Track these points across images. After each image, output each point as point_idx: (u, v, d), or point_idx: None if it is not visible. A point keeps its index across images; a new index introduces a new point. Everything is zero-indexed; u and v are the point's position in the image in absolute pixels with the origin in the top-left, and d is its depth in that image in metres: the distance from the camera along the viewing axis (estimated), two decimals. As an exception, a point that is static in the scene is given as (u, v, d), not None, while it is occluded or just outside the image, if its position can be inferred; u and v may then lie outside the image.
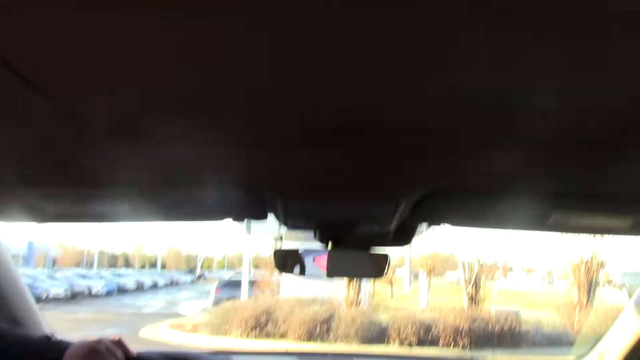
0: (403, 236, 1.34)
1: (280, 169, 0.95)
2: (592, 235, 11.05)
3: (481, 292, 13.62)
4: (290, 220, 1.27)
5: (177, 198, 1.13)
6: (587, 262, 12.40)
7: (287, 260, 1.45)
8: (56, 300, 20.35)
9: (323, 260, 1.44)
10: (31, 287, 13.75)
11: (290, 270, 1.42)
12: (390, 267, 1.34)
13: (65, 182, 1.06)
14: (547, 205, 1.09)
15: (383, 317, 11.77)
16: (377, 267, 1.34)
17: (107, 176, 1.02)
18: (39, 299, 19.36)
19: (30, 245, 44.27)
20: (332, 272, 1.34)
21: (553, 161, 0.90)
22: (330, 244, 1.32)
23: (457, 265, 15.58)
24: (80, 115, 0.74)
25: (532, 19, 0.47)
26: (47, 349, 1.22)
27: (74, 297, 22.04)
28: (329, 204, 1.15)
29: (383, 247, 1.41)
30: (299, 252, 1.34)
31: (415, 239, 1.41)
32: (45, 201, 1.14)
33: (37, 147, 0.89)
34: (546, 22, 0.47)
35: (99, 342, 1.22)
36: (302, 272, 1.37)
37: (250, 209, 1.20)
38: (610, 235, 11.32)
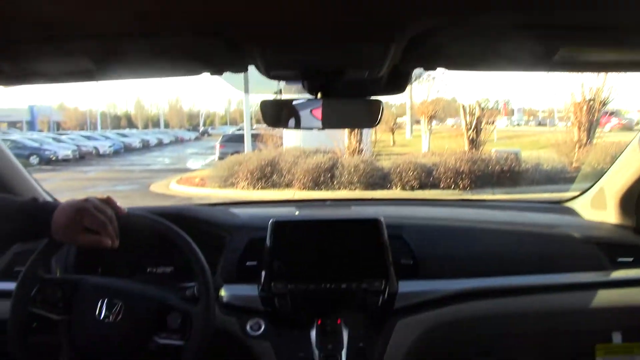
0: (397, 82, 1.25)
1: (255, 11, 0.82)
2: (596, 73, 10.84)
3: (482, 136, 13.74)
4: (273, 70, 1.14)
5: (146, 50, 1.01)
6: (589, 100, 12.33)
7: (278, 112, 1.38)
8: (66, 161, 20.79)
9: (316, 110, 1.36)
10: (39, 150, 14.03)
11: (280, 123, 1.36)
12: (383, 114, 1.26)
13: (23, 36, 0.92)
14: (554, 40, 0.96)
15: (385, 164, 12.02)
16: (371, 115, 1.27)
17: (69, 27, 0.89)
18: (48, 161, 19.90)
19: (31, 109, 44.22)
20: (326, 122, 1.28)
21: None
22: (320, 93, 1.25)
23: (459, 110, 15.50)
24: None
25: None
26: (35, 210, 1.19)
27: (82, 157, 22.46)
28: (311, 50, 1.03)
29: (377, 96, 1.34)
30: (290, 102, 1.26)
31: (413, 86, 1.31)
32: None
33: None
34: None
35: (86, 200, 1.18)
36: (296, 124, 1.31)
37: (227, 60, 1.09)
38: (616, 73, 11.07)
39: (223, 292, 1.58)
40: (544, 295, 1.67)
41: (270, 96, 1.36)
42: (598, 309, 1.71)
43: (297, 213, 1.93)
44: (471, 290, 1.63)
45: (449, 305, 1.60)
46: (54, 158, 20.47)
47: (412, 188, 10.88)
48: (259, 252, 1.60)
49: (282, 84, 1.36)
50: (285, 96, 1.37)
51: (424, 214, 2.06)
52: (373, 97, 1.28)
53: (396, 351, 1.51)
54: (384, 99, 1.29)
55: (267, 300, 1.54)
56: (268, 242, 1.58)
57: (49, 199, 1.83)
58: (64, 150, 21.73)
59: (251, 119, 17.51)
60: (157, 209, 1.69)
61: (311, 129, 1.33)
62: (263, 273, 1.56)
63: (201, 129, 47.66)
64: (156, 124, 55.11)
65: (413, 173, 11.02)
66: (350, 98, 1.28)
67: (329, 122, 1.28)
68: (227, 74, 1.20)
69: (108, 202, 1.23)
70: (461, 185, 10.87)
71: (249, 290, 1.58)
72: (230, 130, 30.50)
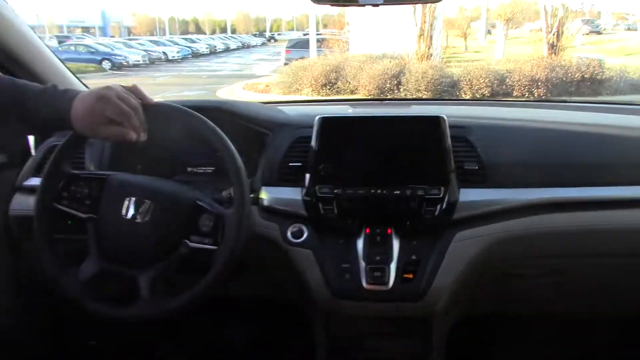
0: None
1: None
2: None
3: (563, 41, 12.74)
4: None
5: None
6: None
7: None
8: (136, 66, 21.32)
9: None
10: (110, 55, 14.49)
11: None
12: None
13: None
14: None
15: (455, 70, 11.46)
16: None
17: None
18: (120, 66, 20.43)
19: (103, 14, 45.08)
20: None
21: None
22: None
23: (539, 14, 14.34)
24: None
25: None
26: (54, 95, 1.08)
27: (152, 63, 22.94)
28: None
29: None
30: None
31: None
32: None
33: None
34: None
35: (109, 87, 1.07)
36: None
37: None
38: None
39: (264, 195, 1.45)
40: (634, 210, 1.45)
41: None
42: None
43: (350, 111, 1.72)
44: (545, 201, 1.41)
45: (518, 217, 1.40)
46: (125, 63, 21.00)
47: (483, 96, 10.37)
48: (304, 152, 1.44)
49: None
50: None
51: (494, 113, 1.79)
52: None
53: (453, 266, 1.35)
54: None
55: (311, 205, 1.40)
56: (314, 140, 1.41)
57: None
58: (134, 56, 22.19)
59: (317, 23, 17.03)
60: (195, 102, 1.54)
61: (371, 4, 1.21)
62: (307, 175, 1.41)
63: (268, 34, 47.11)
64: (223, 30, 54.87)
65: (484, 80, 10.46)
66: None
67: None
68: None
69: (134, 90, 1.10)
70: (536, 94, 10.23)
71: (292, 194, 1.43)
72: (297, 35, 29.95)
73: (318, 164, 1.40)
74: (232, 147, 1.20)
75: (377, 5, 1.26)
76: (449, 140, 1.38)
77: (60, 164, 1.25)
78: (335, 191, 1.38)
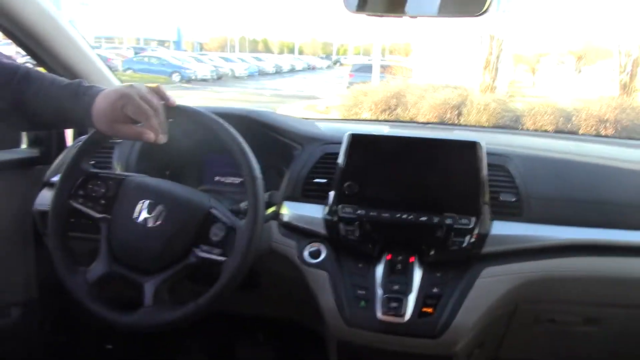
0: None
1: None
2: None
3: (636, 80, 12.24)
4: None
5: None
6: None
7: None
8: (204, 80, 22.04)
9: None
10: (180, 68, 15.12)
11: (391, 9, 1.20)
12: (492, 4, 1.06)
13: None
14: None
15: (519, 105, 11.17)
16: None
17: None
18: (188, 80, 21.16)
19: (178, 30, 47.19)
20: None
21: None
22: None
23: (612, 54, 13.85)
24: None
25: None
26: (78, 90, 1.07)
27: (219, 78, 23.67)
28: None
29: None
30: None
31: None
32: None
33: None
34: None
35: (131, 86, 1.06)
36: (403, 10, 1.14)
37: None
38: None
39: (285, 210, 1.40)
40: None
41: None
42: None
43: (385, 131, 1.66)
44: (586, 242, 1.29)
45: (554, 257, 1.29)
46: (193, 77, 21.76)
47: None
48: (332, 168, 1.38)
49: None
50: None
51: (538, 144, 1.67)
52: None
53: (478, 304, 1.24)
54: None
55: (332, 224, 1.33)
56: (341, 157, 1.35)
57: None
58: (203, 70, 23.00)
59: (384, 50, 17.11)
60: (224, 109, 1.51)
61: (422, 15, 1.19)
62: (331, 193, 1.35)
63: (334, 57, 47.64)
64: (291, 51, 55.93)
65: (549, 117, 10.09)
66: None
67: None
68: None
69: (157, 91, 1.09)
70: (603, 134, 9.83)
71: (314, 211, 1.37)
72: (362, 60, 30.13)
73: (343, 182, 1.34)
74: (251, 155, 1.17)
75: (414, 17, 1.22)
76: (485, 168, 1.29)
77: (79, 162, 1.25)
78: (359, 212, 1.31)
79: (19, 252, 1.67)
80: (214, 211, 1.19)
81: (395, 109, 11.36)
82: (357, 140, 1.36)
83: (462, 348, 1.28)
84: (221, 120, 1.18)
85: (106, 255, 1.21)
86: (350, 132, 1.37)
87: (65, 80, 1.10)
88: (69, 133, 1.78)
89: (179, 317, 1.15)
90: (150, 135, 1.05)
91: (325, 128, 1.60)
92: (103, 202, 1.24)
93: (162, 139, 1.08)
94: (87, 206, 1.24)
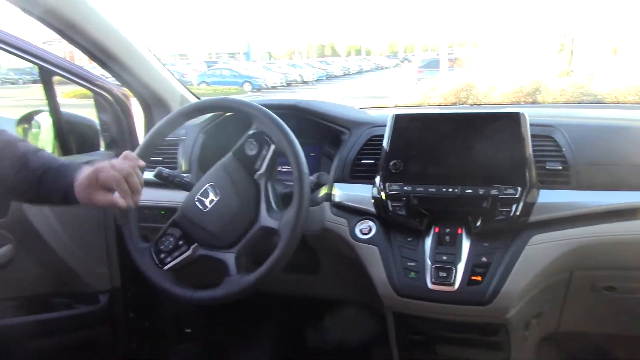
0: None
1: None
2: None
3: None
4: None
5: None
6: None
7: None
8: (274, 88, 22.72)
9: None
10: (251, 78, 15.63)
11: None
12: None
13: None
14: None
15: (600, 87, 10.57)
16: None
17: None
18: (259, 88, 21.79)
19: (248, 44, 48.95)
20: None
21: None
22: None
23: None
24: None
25: None
26: (60, 170, 1.13)
27: (289, 85, 24.23)
28: None
29: None
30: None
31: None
32: None
33: None
34: None
35: (107, 160, 1.11)
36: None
37: None
38: None
39: (335, 191, 1.48)
40: None
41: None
42: None
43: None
44: (636, 206, 1.27)
45: (605, 222, 1.28)
46: (264, 86, 22.40)
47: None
48: (378, 149, 1.44)
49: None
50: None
51: (583, 114, 1.66)
52: None
53: (526, 271, 1.25)
54: None
55: (380, 202, 1.39)
56: (386, 137, 1.41)
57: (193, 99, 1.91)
58: (273, 78, 23.72)
59: (451, 46, 16.75)
60: (276, 100, 1.63)
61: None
62: (379, 172, 1.41)
63: (401, 55, 47.22)
64: (358, 52, 56.03)
65: (635, 97, 9.52)
66: None
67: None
68: None
69: (126, 156, 1.13)
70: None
71: (363, 191, 1.44)
72: (430, 56, 29.71)
73: (389, 161, 1.39)
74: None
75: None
76: (529, 138, 1.31)
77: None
78: (405, 188, 1.37)
79: (102, 244, 1.82)
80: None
81: (466, 101, 11.09)
82: (400, 120, 1.42)
83: (515, 316, 1.29)
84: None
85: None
86: (394, 113, 1.42)
87: (58, 159, 1.17)
88: (140, 135, 1.89)
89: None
90: (120, 201, 1.10)
91: (374, 114, 1.66)
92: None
93: (131, 201, 1.11)
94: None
